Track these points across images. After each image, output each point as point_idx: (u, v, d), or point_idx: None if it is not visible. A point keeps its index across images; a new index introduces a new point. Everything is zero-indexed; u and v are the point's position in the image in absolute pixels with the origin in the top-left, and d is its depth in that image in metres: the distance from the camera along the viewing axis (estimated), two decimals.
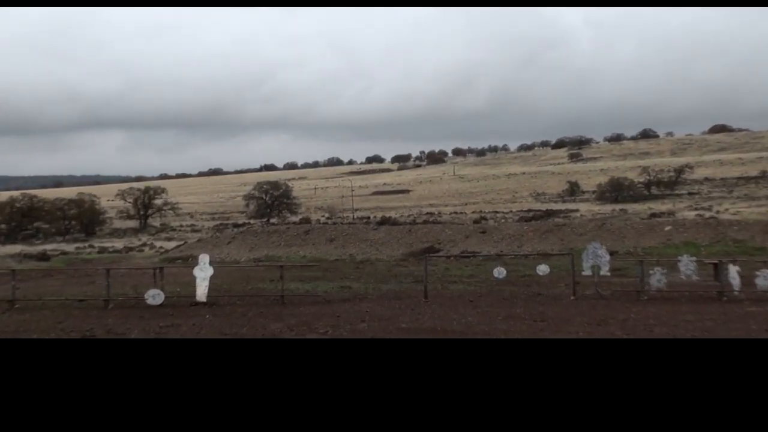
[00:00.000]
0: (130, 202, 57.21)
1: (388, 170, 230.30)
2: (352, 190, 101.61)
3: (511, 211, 58.17)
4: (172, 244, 33.87)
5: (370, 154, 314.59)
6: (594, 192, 74.96)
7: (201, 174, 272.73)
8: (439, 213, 61.66)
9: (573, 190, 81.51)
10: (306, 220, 50.72)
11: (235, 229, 38.25)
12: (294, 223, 45.41)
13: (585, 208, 59.25)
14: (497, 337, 7.63)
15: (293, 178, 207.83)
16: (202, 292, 11.38)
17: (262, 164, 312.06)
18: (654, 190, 70.27)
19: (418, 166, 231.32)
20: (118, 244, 37.32)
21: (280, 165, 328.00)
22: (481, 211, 60.71)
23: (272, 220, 58.62)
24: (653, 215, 41.84)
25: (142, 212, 57.03)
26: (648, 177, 71.78)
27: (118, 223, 55.71)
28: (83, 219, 48.69)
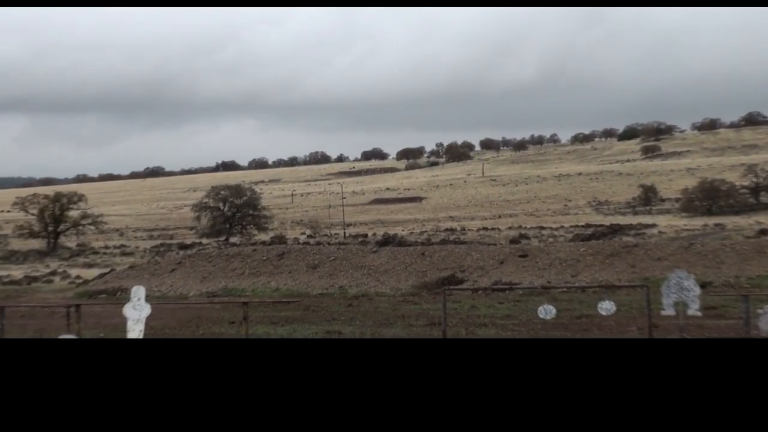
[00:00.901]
0: (33, 215, 57.37)
1: (393, 170, 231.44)
2: (343, 198, 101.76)
3: (562, 227, 58.27)
4: (94, 272, 33.97)
5: (368, 148, 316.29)
6: (678, 200, 75.12)
7: (135, 175, 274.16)
8: (463, 229, 61.81)
9: (648, 198, 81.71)
10: (279, 239, 50.87)
11: (182, 252, 38.36)
12: (263, 243, 45.51)
13: (665, 223, 59.33)
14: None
15: (262, 181, 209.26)
16: (135, 338, 11.43)
17: (220, 161, 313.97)
18: (764, 198, 70.16)
19: (435, 164, 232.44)
20: (17, 272, 37.43)
21: (243, 163, 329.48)
22: (520, 227, 60.80)
23: (233, 240, 58.74)
24: (763, 232, 41.78)
25: (50, 228, 57.03)
26: (755, 179, 71.69)
27: (17, 244, 55.91)
28: None
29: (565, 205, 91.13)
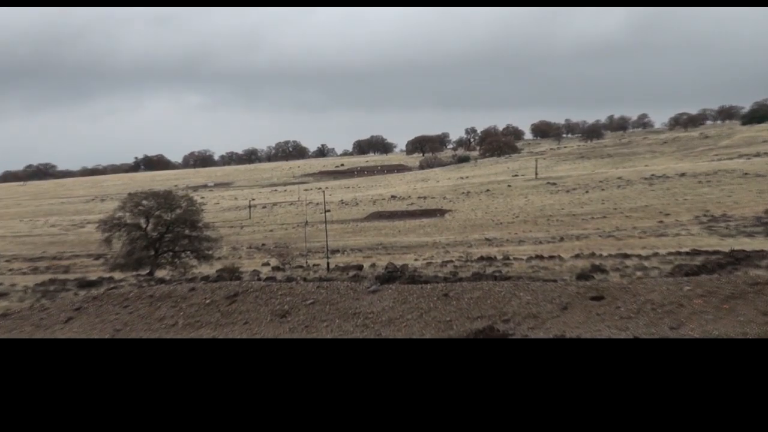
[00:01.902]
0: None
1: (402, 168, 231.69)
2: (327, 210, 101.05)
3: (656, 254, 58.01)
4: None
5: (365, 135, 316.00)
6: None
7: (11, 177, 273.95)
8: (507, 257, 61.71)
9: None
10: (231, 273, 50.63)
11: (83, 293, 38.36)
12: (206, 279, 45.57)
13: None
14: None
15: (204, 186, 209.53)
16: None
17: (142, 156, 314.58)
18: None
19: (464, 159, 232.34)
20: None
21: (177, 158, 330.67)
22: (593, 254, 60.56)
23: (160, 273, 58.61)
24: None
25: None
26: None
27: None
28: None
29: (661, 222, 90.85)
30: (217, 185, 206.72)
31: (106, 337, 24.73)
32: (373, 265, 57.07)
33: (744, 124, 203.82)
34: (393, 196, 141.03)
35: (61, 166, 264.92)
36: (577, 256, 60.84)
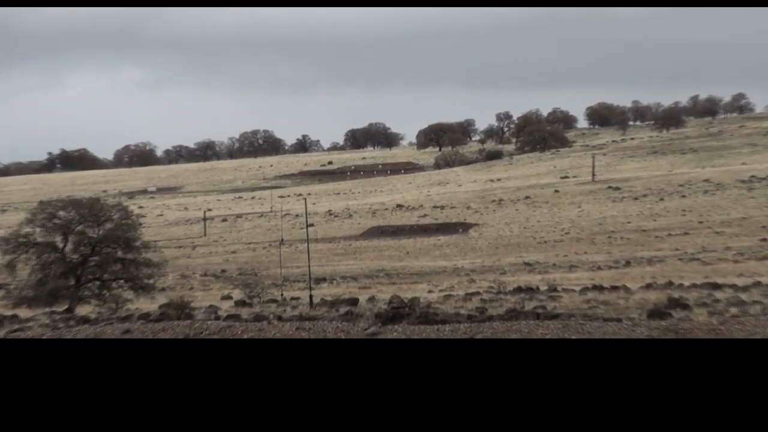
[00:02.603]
0: None
1: (410, 168, 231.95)
2: (310, 225, 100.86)
3: (757, 284, 57.68)
4: None
5: (362, 124, 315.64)
6: None
7: None
8: (553, 288, 61.47)
9: None
10: (178, 310, 50.32)
11: None
12: (145, 318, 45.48)
13: None
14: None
15: (144, 191, 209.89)
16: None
17: (58, 151, 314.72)
18: None
19: (494, 156, 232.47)
20: None
21: (106, 154, 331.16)
22: (670, 283, 60.18)
23: (83, 310, 58.36)
24: None
25: None
26: None
27: None
28: None
29: (764, 240, 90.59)
30: (161, 190, 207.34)
31: None
32: (371, 299, 57.00)
33: None
34: (399, 206, 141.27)
35: None
36: (648, 286, 60.67)
